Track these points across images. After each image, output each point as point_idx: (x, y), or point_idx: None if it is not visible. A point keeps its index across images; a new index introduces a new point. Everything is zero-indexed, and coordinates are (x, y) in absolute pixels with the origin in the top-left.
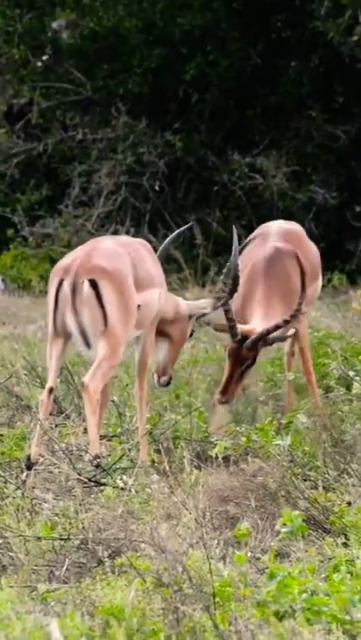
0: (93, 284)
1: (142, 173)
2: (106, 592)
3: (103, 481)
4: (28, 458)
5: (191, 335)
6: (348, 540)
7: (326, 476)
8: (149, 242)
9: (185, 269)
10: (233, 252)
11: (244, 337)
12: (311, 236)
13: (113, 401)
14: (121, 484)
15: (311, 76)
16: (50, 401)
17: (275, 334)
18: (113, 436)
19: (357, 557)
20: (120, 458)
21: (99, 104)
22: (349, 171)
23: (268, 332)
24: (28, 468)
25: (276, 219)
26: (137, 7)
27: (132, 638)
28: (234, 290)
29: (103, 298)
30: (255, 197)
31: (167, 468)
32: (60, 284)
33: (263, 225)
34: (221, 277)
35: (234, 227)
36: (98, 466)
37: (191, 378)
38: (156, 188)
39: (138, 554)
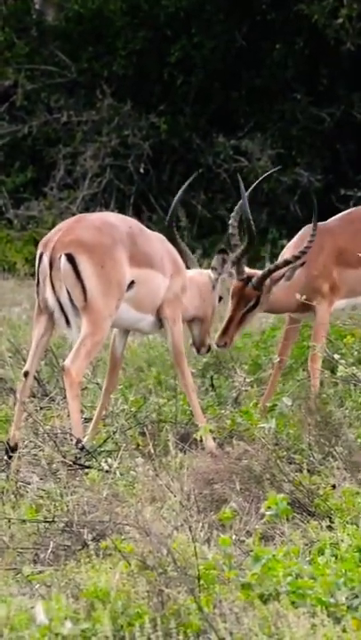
0: (70, 259)
1: (127, 156)
2: (90, 575)
3: (88, 464)
4: (8, 441)
5: (220, 300)
6: (333, 522)
7: (311, 458)
8: None
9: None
10: (244, 204)
11: (250, 276)
12: (296, 219)
13: (97, 384)
14: (106, 467)
15: (296, 59)
16: (27, 384)
17: (282, 271)
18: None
19: (342, 540)
20: (105, 441)
21: (83, 86)
22: (334, 153)
23: (277, 267)
24: (11, 451)
25: (261, 201)
26: None
27: (117, 621)
28: (251, 244)
29: (81, 272)
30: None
31: (152, 451)
32: (41, 258)
33: None
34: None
35: (240, 177)
36: (82, 449)
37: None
38: (141, 170)
39: (122, 537)
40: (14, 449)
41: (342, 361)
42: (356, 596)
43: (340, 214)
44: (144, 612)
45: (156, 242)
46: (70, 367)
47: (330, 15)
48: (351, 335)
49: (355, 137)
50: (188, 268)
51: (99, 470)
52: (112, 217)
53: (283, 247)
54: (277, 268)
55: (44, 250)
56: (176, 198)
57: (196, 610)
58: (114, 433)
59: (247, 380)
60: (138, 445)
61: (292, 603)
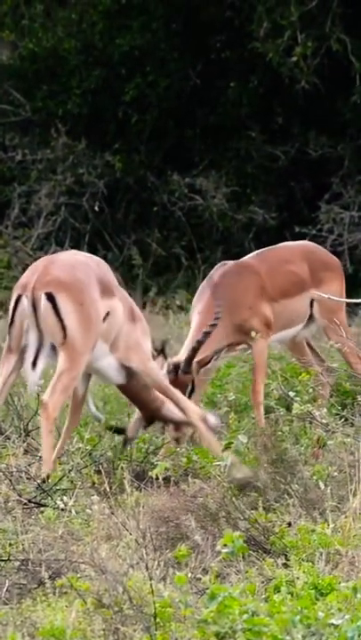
0: (50, 297)
1: (82, 194)
2: (47, 613)
3: (43, 502)
4: None
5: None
6: (289, 560)
7: (267, 496)
8: None
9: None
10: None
11: (176, 365)
12: None
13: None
14: (61, 505)
15: (250, 97)
16: None
17: (205, 354)
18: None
19: (297, 578)
20: (60, 479)
21: (38, 125)
22: (289, 191)
23: (194, 349)
24: None
25: (216, 239)
26: (76, 28)
27: None
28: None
29: (60, 310)
30: (195, 218)
31: (107, 489)
32: (19, 299)
33: None
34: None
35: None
36: (43, 482)
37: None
38: (96, 208)
39: (78, 575)
40: None
41: (297, 398)
42: (313, 634)
43: (251, 254)
44: None
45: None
46: (48, 402)
47: (284, 53)
48: (306, 372)
49: (309, 175)
50: None
51: (54, 508)
52: (80, 255)
53: None
54: (195, 350)
55: (23, 291)
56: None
57: None
58: (69, 471)
59: None
60: (93, 483)
61: None
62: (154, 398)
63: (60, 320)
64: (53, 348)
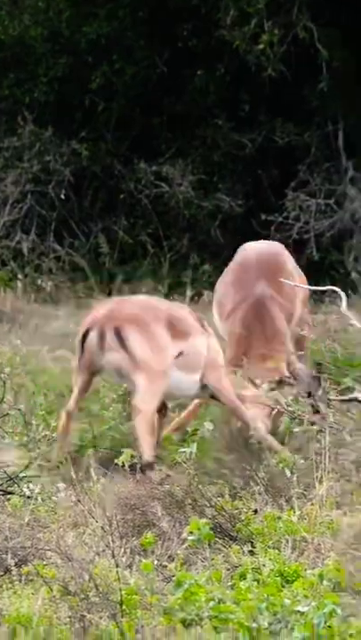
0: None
1: (48, 182)
2: (12, 600)
3: (10, 489)
4: None
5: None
6: (255, 547)
7: (233, 483)
8: (55, 251)
9: (91, 278)
10: None
11: None
12: (217, 244)
13: (19, 409)
14: (27, 493)
15: (217, 85)
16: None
17: None
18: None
19: (263, 565)
20: (27, 467)
21: (5, 113)
22: (255, 179)
23: None
24: None
25: (183, 227)
26: (43, 16)
27: None
28: None
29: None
30: (161, 206)
31: (73, 477)
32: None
33: None
34: None
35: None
36: (149, 465)
37: (98, 386)
38: (62, 196)
39: (45, 562)
40: None
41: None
42: (279, 621)
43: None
44: (66, 638)
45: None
46: (141, 408)
47: (251, 41)
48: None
49: (276, 162)
50: None
51: (20, 496)
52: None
53: (204, 273)
54: None
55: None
56: None
57: (119, 635)
58: (35, 459)
59: (169, 404)
60: (59, 469)
61: (215, 628)
62: None
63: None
64: None
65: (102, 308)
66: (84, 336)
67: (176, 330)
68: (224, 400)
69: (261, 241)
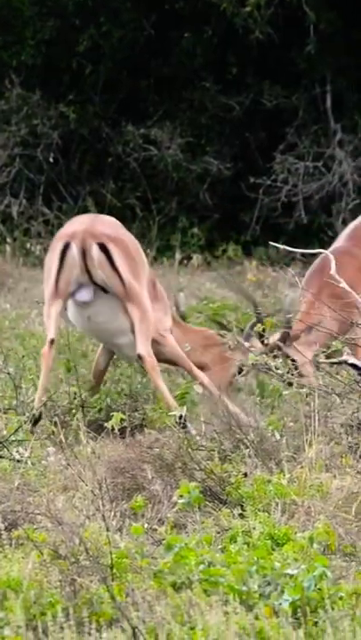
0: (103, 249)
1: (36, 145)
2: (3, 564)
3: None
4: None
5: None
6: (245, 510)
7: (222, 446)
8: (43, 214)
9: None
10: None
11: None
12: (206, 207)
13: (9, 373)
14: (17, 457)
15: (204, 48)
16: (52, 351)
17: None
18: (9, 409)
19: (253, 528)
20: (16, 430)
21: None
22: (243, 141)
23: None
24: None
25: (171, 190)
26: None
27: (30, 610)
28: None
29: (115, 261)
30: (149, 169)
31: (63, 440)
32: (67, 247)
33: None
34: None
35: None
36: (183, 420)
37: (87, 350)
38: (51, 159)
39: (35, 526)
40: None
41: (253, 349)
42: (269, 584)
43: (343, 233)
44: (56, 602)
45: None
46: (143, 353)
47: (238, 3)
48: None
49: (264, 125)
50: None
51: (10, 460)
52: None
53: (193, 236)
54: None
55: (71, 239)
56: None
57: (109, 599)
58: (25, 422)
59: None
60: (52, 434)
61: (205, 591)
62: None
63: (115, 270)
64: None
65: (78, 222)
66: (64, 251)
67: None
68: (170, 355)
69: None
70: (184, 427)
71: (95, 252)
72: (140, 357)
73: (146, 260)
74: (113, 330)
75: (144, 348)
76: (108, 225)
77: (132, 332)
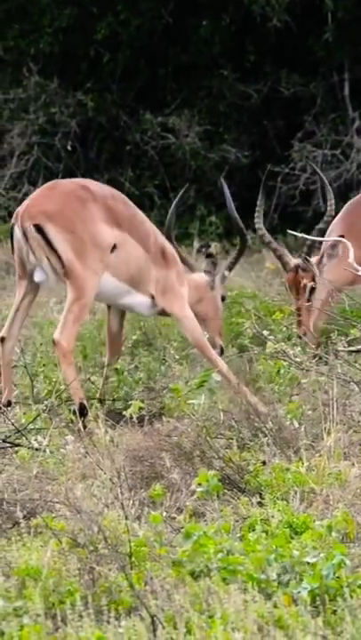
0: (39, 229)
1: (54, 133)
2: (22, 553)
3: (18, 442)
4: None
5: (223, 300)
6: (263, 499)
7: (241, 435)
8: None
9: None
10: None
11: (297, 265)
12: (223, 195)
13: (25, 366)
14: (36, 445)
15: (222, 35)
16: (6, 349)
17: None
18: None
19: (272, 516)
20: (34, 419)
21: (10, 64)
22: (261, 129)
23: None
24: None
25: (189, 178)
26: None
27: (49, 599)
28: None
29: (52, 241)
30: (168, 157)
31: (81, 429)
32: (13, 228)
33: None
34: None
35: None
36: (84, 409)
37: (102, 338)
38: (69, 147)
39: (53, 514)
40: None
41: (271, 337)
42: (287, 572)
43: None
44: (75, 590)
45: (146, 222)
46: (60, 339)
47: None
48: (280, 311)
49: (282, 113)
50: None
51: (29, 448)
52: (91, 183)
53: (211, 224)
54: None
55: (15, 221)
56: (171, 210)
57: (128, 587)
58: (43, 411)
59: (176, 356)
60: (71, 422)
61: (223, 579)
62: None
63: (54, 250)
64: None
65: (29, 198)
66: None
67: (112, 219)
68: (191, 335)
69: None
70: (82, 415)
71: (31, 233)
72: (53, 342)
73: (137, 219)
74: (111, 294)
75: (62, 333)
76: (56, 197)
77: (136, 289)
